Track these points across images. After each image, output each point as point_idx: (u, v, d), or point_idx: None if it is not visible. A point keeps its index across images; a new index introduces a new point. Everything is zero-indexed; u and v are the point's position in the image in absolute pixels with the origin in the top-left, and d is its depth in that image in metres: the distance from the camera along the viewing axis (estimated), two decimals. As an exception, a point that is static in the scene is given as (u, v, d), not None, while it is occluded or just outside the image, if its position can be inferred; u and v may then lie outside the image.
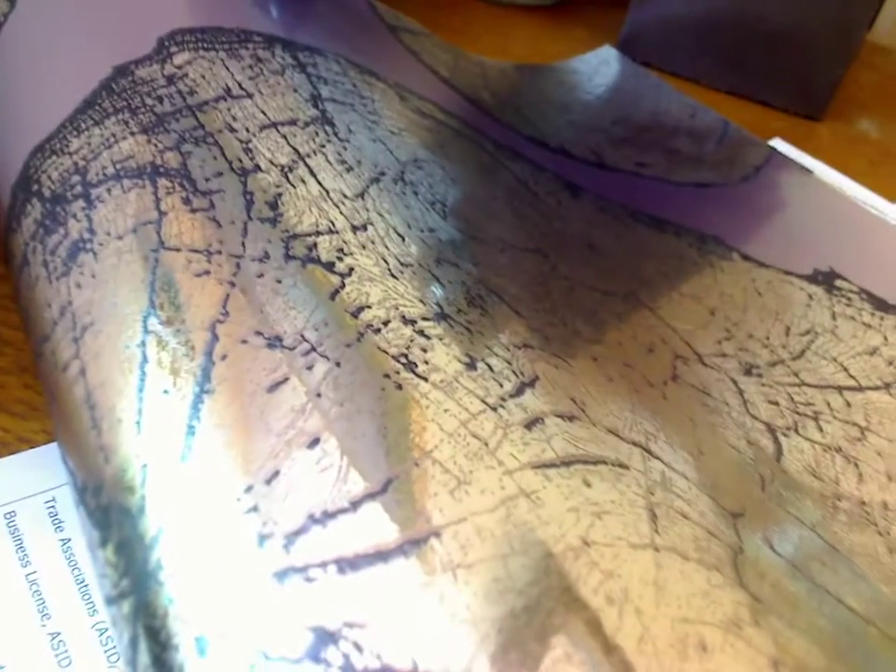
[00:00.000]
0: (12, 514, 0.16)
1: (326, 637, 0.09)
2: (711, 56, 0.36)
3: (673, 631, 0.10)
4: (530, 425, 0.12)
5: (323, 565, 0.10)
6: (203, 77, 0.17)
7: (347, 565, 0.10)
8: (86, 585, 0.15)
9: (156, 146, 0.15)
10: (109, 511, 0.11)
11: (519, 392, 0.13)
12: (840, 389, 0.22)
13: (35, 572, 0.15)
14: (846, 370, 0.22)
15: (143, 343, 0.12)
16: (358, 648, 0.09)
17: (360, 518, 0.10)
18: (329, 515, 0.10)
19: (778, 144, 0.33)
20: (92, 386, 0.12)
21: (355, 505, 0.10)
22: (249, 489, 0.11)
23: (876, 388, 0.22)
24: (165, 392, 0.12)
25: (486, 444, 0.12)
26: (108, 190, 0.14)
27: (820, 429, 0.19)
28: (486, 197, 0.20)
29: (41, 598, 0.15)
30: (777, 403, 0.19)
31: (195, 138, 0.15)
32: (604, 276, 0.20)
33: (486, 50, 0.37)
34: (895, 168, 0.33)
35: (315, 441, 0.11)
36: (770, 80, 0.35)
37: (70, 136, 0.16)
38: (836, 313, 0.25)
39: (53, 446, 0.16)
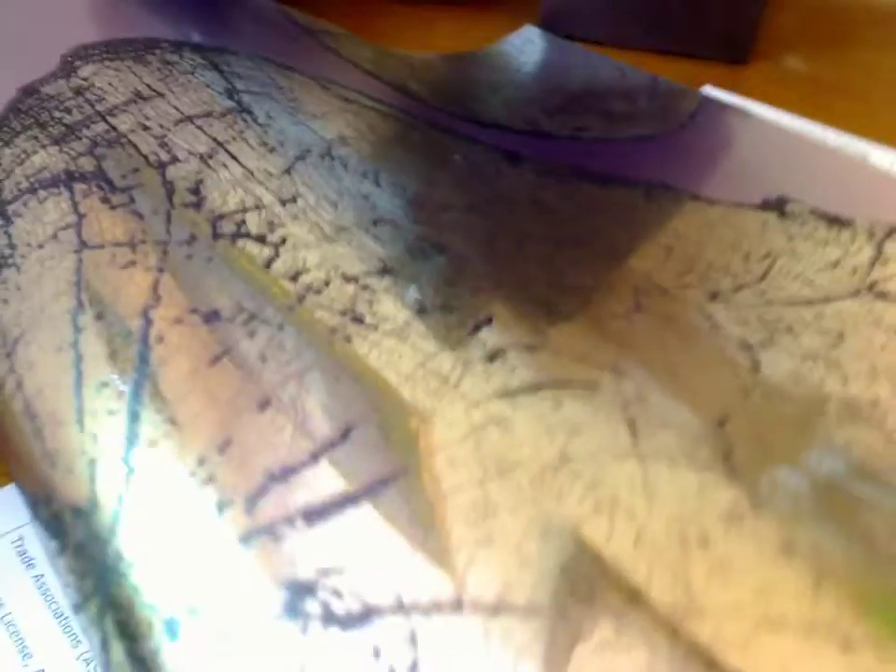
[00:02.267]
0: (-24, 558, 0.15)
1: (301, 590, 0.09)
2: (631, 18, 0.36)
3: (670, 530, 0.10)
4: (491, 357, 0.12)
5: (289, 519, 0.09)
6: (111, 83, 0.16)
7: (315, 514, 0.09)
8: (66, 618, 0.14)
9: (69, 154, 0.15)
10: (62, 516, 0.10)
11: (475, 330, 0.12)
12: (810, 302, 0.21)
13: (9, 614, 0.14)
14: (811, 284, 0.22)
15: (75, 343, 0.12)
16: (338, 594, 0.09)
17: (323, 468, 0.10)
18: (289, 470, 0.10)
19: (709, 90, 0.33)
20: (30, 396, 0.12)
21: (315, 456, 0.10)
22: (202, 461, 0.10)
23: (844, 298, 0.22)
24: (104, 385, 0.11)
25: (447, 380, 0.11)
26: (24, 204, 0.14)
27: (797, 340, 0.18)
28: (422, 167, 0.19)
29: (20, 638, 0.14)
30: (747, 323, 0.19)
31: (108, 140, 0.15)
32: (553, 229, 0.20)
33: (411, 47, 0.37)
34: (827, 98, 0.33)
35: (265, 404, 0.10)
36: (692, 32, 0.36)
37: (-19, 163, 0.15)
38: (792, 234, 0.25)
39: (14, 486, 0.16)
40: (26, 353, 0.12)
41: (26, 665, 0.14)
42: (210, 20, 0.22)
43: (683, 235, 0.23)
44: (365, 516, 0.09)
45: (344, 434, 0.10)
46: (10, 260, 0.13)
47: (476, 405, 0.11)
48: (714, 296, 0.20)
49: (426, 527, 0.09)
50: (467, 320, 0.13)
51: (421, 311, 0.12)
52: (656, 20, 0.35)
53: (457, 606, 0.08)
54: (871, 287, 0.22)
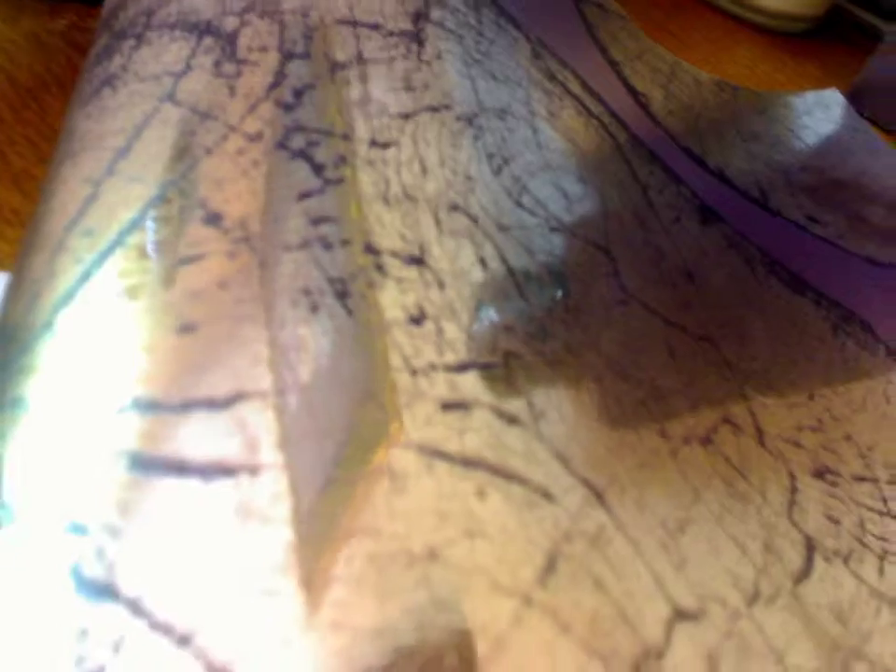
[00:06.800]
0: None
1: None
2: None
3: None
4: (451, 406, 0.10)
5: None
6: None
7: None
8: None
9: (223, 8, 0.14)
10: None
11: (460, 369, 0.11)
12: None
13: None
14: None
15: (99, 182, 0.12)
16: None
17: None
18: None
19: None
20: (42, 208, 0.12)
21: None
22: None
23: None
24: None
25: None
26: (160, 36, 0.14)
27: (881, 571, 0.14)
28: (575, 176, 0.17)
29: None
30: (837, 522, 0.15)
31: (264, 11, 0.14)
32: (684, 310, 0.17)
33: (694, 59, 0.33)
34: None
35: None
36: None
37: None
38: None
39: None
40: (69, 170, 0.12)
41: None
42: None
43: (846, 392, 0.19)
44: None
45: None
46: (114, 81, 0.14)
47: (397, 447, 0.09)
48: (821, 473, 0.16)
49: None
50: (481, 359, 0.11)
51: (415, 320, 0.11)
52: None
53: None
54: None
